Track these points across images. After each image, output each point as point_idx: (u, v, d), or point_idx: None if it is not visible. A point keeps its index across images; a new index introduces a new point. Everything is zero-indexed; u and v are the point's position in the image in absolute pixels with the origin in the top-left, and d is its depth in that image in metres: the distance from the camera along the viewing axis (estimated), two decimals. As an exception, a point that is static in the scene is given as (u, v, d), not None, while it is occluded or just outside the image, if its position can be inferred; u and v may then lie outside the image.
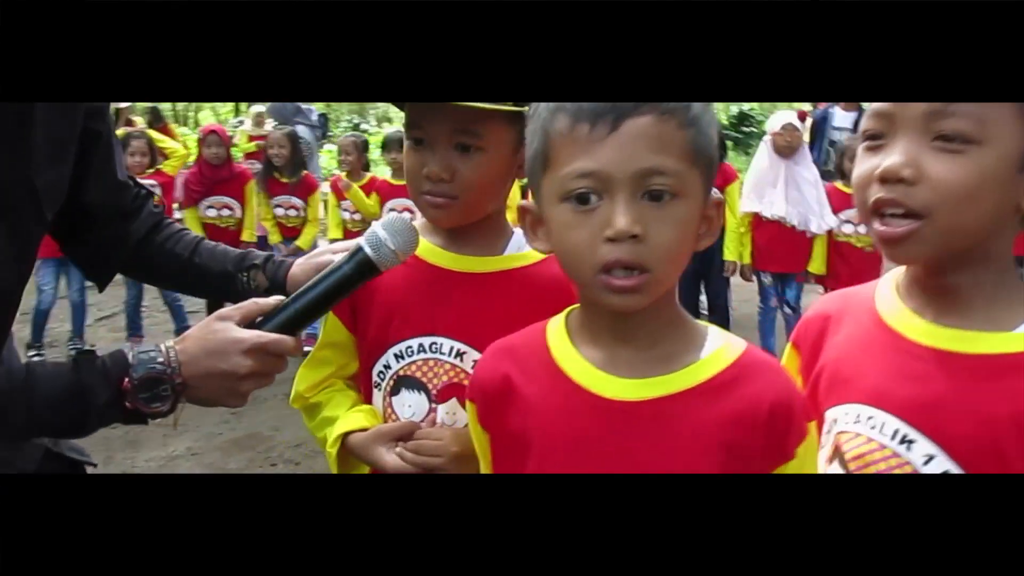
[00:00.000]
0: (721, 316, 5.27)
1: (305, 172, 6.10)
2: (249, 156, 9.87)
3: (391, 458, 1.31)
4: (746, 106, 27.44)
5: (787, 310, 5.07)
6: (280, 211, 5.92)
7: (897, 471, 0.98)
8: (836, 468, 1.06)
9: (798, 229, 4.89)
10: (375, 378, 1.42)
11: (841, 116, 7.31)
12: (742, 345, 1.01)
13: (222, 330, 1.17)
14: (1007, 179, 0.92)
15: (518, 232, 1.43)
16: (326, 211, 6.12)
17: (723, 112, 26.04)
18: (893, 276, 1.08)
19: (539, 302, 1.33)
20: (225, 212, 5.81)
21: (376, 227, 1.23)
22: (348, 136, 6.36)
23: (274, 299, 1.23)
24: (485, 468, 1.16)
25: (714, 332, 1.03)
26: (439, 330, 1.38)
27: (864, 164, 0.98)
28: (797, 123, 5.01)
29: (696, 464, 0.95)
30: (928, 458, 0.97)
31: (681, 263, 0.96)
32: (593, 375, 1.00)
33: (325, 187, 6.40)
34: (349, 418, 1.41)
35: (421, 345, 1.38)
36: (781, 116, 5.12)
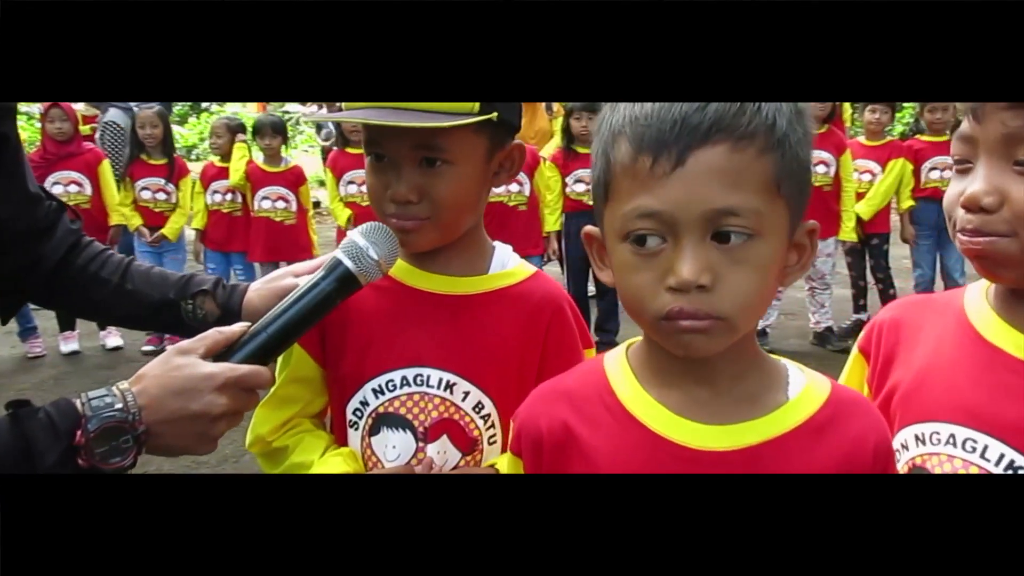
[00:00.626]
0: (610, 300, 5.31)
1: (176, 155, 5.74)
2: (85, 139, 9.23)
3: None
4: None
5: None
6: (147, 194, 5.57)
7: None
8: None
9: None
10: (350, 416, 1.28)
11: None
12: (827, 381, 0.93)
13: (187, 365, 1.01)
14: None
15: (500, 247, 1.33)
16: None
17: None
18: (982, 285, 1.04)
19: (533, 323, 1.26)
20: (73, 188, 5.41)
21: (354, 236, 1.11)
22: (221, 118, 6.06)
23: (239, 326, 1.09)
24: None
25: (794, 369, 0.94)
26: (425, 360, 1.25)
27: (953, 186, 0.97)
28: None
29: None
30: None
31: (762, 308, 0.87)
32: (674, 422, 0.88)
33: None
34: (327, 463, 1.26)
35: (404, 378, 1.25)
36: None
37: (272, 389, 1.33)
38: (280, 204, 5.46)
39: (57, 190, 5.32)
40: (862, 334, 1.16)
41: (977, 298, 1.04)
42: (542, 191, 5.19)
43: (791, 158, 0.82)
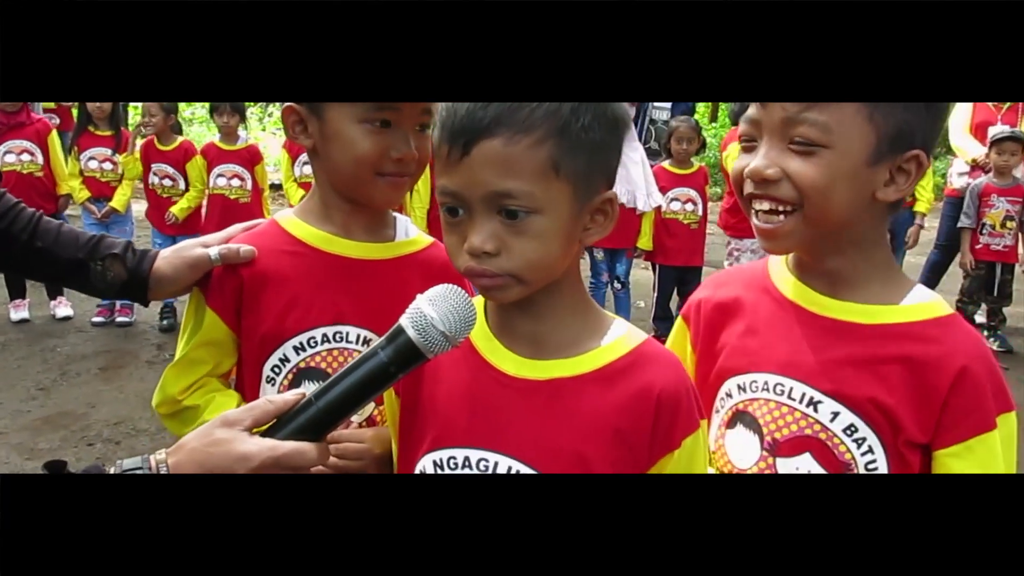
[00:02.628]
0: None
1: (123, 128, 5.74)
2: (47, 111, 9.18)
3: None
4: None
5: (616, 285, 5.26)
6: (94, 164, 5.56)
7: (808, 430, 1.11)
8: (741, 431, 1.18)
9: (627, 207, 5.07)
10: (268, 373, 1.36)
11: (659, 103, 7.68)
12: (642, 336, 1.07)
13: (226, 441, 0.94)
14: (857, 174, 1.06)
15: (400, 217, 1.44)
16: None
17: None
18: (781, 259, 1.22)
19: (438, 284, 1.35)
20: (26, 157, 5.45)
21: (423, 303, 0.96)
22: None
23: (292, 395, 0.99)
24: (393, 433, 1.18)
25: (619, 323, 1.09)
26: (345, 319, 1.35)
27: (739, 162, 1.13)
28: (626, 106, 5.13)
29: (586, 446, 1.01)
30: (834, 415, 1.11)
31: (553, 265, 1.00)
32: (500, 352, 1.06)
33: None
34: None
35: (325, 335, 1.35)
36: (612, 99, 5.24)
37: (183, 351, 1.40)
38: (235, 182, 5.48)
39: (10, 159, 5.38)
40: (685, 305, 1.32)
41: (778, 263, 1.22)
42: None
43: (575, 143, 0.95)
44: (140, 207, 6.16)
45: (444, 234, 1.02)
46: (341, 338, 1.35)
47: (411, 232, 1.45)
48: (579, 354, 1.04)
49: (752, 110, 1.10)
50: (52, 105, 10.37)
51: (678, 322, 1.32)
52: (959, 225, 5.64)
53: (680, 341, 1.31)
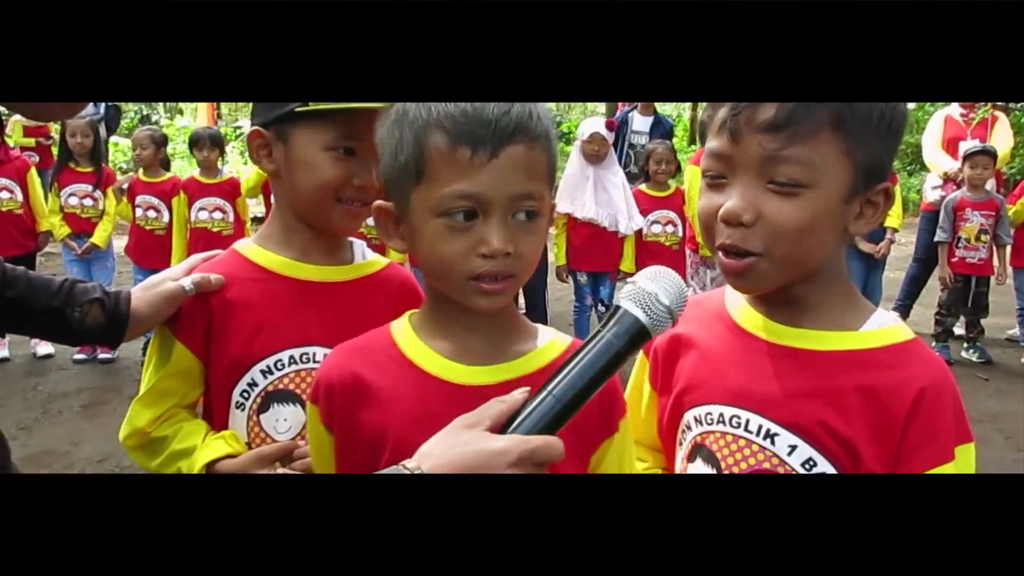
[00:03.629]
0: (539, 314, 5.40)
1: (104, 164, 5.76)
2: (26, 150, 9.16)
3: None
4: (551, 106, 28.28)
5: (601, 308, 5.29)
6: (75, 200, 5.57)
7: (766, 464, 1.07)
8: (700, 466, 1.14)
9: (609, 230, 5.11)
10: (237, 398, 1.38)
11: (639, 120, 7.74)
12: (567, 338, 1.13)
13: (476, 440, 0.91)
14: (836, 212, 1.02)
15: (357, 242, 1.48)
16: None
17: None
18: None
19: (399, 302, 1.37)
20: (5, 195, 5.47)
21: (642, 281, 0.95)
22: (143, 129, 5.99)
23: (519, 394, 0.96)
24: (325, 469, 1.15)
25: (543, 329, 1.14)
26: (312, 339, 1.37)
27: (707, 199, 1.06)
28: (605, 132, 5.21)
29: None
30: (791, 448, 1.07)
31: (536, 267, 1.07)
32: (444, 365, 1.07)
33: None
34: (211, 446, 1.35)
35: (292, 357, 1.37)
36: (590, 124, 5.32)
37: (150, 383, 1.40)
38: (217, 215, 5.48)
39: None
40: None
41: (736, 295, 1.17)
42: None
43: (554, 154, 1.04)
44: (120, 243, 6.14)
45: (445, 241, 0.98)
46: (308, 359, 1.37)
47: (367, 255, 1.48)
48: (520, 357, 1.08)
49: (721, 144, 1.03)
50: (31, 142, 10.37)
51: (639, 356, 1.27)
52: (936, 239, 5.72)
53: (639, 375, 1.28)
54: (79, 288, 1.36)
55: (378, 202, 1.08)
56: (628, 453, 1.14)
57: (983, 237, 5.54)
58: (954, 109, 6.31)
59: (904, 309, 6.44)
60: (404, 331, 1.11)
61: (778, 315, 1.11)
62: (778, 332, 1.10)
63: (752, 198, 1.00)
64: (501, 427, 0.92)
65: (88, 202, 5.58)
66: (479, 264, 0.98)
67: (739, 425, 1.10)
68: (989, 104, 6.26)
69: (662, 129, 7.81)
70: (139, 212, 5.56)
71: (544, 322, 5.26)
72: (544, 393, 0.93)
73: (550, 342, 1.11)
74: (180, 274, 1.39)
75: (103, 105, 11.83)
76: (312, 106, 1.29)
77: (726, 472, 1.11)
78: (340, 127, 1.31)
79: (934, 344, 5.78)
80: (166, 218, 5.55)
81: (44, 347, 5.70)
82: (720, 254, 1.06)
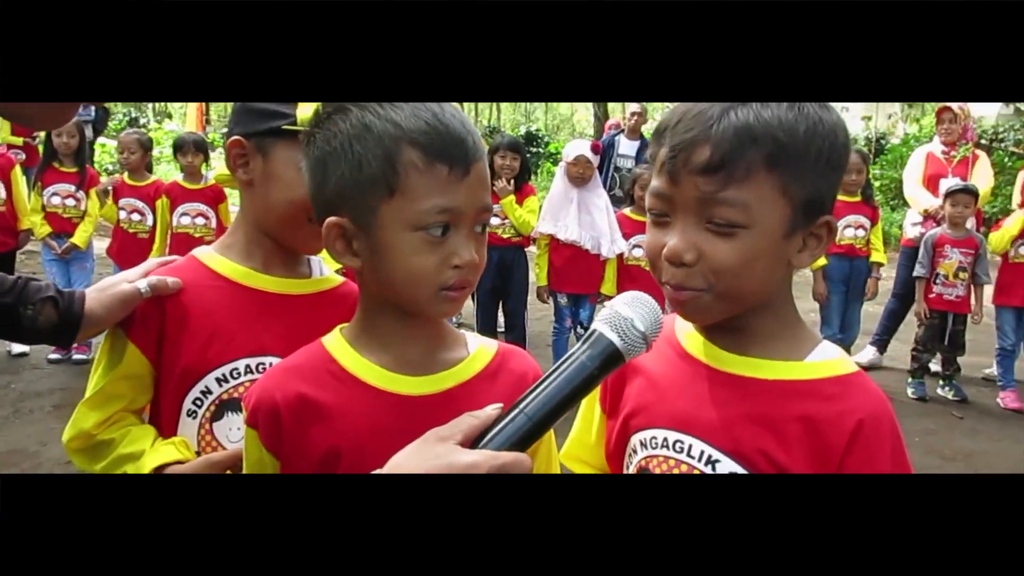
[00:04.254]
0: (518, 334, 5.41)
1: (88, 165, 5.74)
2: (12, 147, 9.12)
3: None
4: (533, 126, 28.46)
5: (580, 330, 5.29)
6: (57, 200, 5.56)
7: None
8: None
9: (591, 252, 5.13)
10: (188, 406, 1.36)
11: (626, 144, 7.80)
12: (494, 343, 1.19)
13: (446, 453, 0.91)
14: (776, 248, 1.04)
15: (315, 258, 1.48)
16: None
17: (512, 132, 27.06)
18: None
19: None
20: (-16, 193, 5.45)
21: (619, 306, 0.98)
22: (131, 132, 5.97)
23: (492, 409, 0.97)
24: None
25: (469, 335, 1.19)
26: (268, 349, 1.36)
27: (652, 236, 1.09)
28: (590, 155, 5.23)
29: None
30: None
31: None
32: (388, 377, 1.09)
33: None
34: (161, 451, 1.33)
35: (248, 366, 1.36)
36: (575, 147, 5.34)
37: (98, 385, 1.39)
38: (200, 220, 5.47)
39: None
40: None
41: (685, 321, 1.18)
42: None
43: None
44: (101, 244, 6.10)
45: (419, 254, 1.01)
46: (264, 368, 1.36)
47: (324, 271, 1.49)
48: (456, 364, 1.13)
49: (662, 184, 1.06)
50: (19, 141, 10.32)
51: (578, 422, 1.32)
52: (914, 274, 5.76)
53: (591, 398, 1.28)
54: (32, 286, 1.34)
55: (331, 219, 1.05)
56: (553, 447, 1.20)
57: (961, 275, 5.57)
58: (935, 146, 6.37)
59: (881, 344, 6.48)
60: (340, 346, 1.12)
61: (724, 343, 1.12)
62: (723, 359, 1.11)
63: (692, 238, 1.03)
64: (472, 441, 0.93)
65: (70, 202, 5.56)
66: (451, 275, 1.03)
67: (682, 450, 1.11)
68: (971, 143, 6.33)
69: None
70: (123, 215, 5.56)
71: (522, 342, 5.31)
72: (516, 411, 0.94)
73: (480, 348, 1.16)
74: (136, 276, 1.38)
75: (92, 106, 11.85)
76: (299, 126, 1.28)
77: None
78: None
79: (910, 380, 5.82)
80: (150, 221, 5.56)
81: (18, 346, 5.64)
82: (667, 288, 1.09)
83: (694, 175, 1.01)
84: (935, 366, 5.96)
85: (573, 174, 5.22)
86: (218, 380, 1.35)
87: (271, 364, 1.34)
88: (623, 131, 8.05)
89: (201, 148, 5.56)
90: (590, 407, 1.29)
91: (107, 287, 1.37)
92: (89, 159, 5.75)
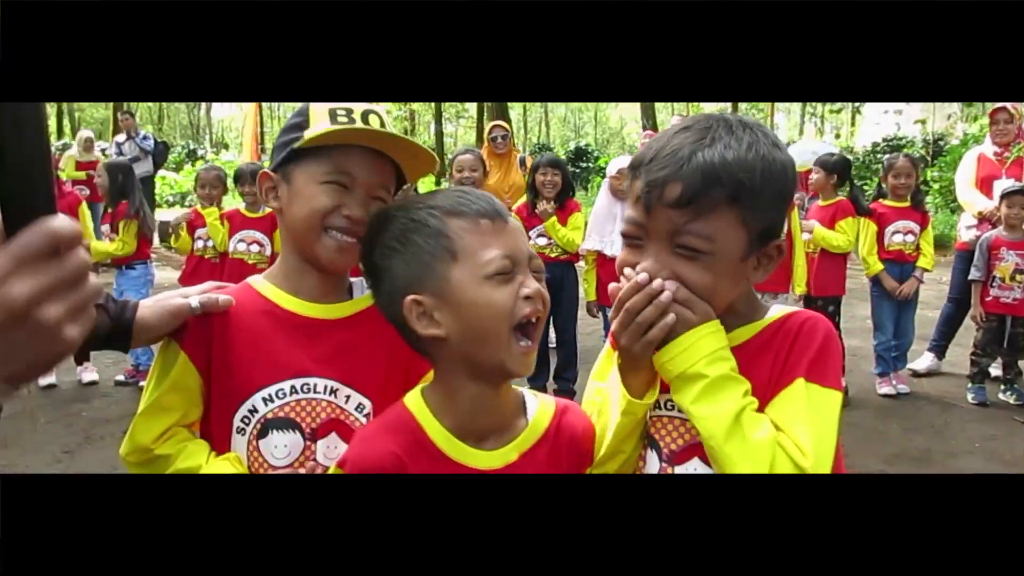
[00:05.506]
0: (568, 349, 5.46)
1: (123, 201, 6.00)
2: (77, 183, 9.50)
3: None
4: (583, 142, 28.51)
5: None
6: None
7: (699, 439, 1.22)
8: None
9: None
10: (238, 424, 1.44)
11: None
12: (551, 401, 1.36)
13: None
14: (735, 269, 1.20)
15: (356, 280, 1.55)
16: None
17: (561, 148, 27.15)
18: None
19: (395, 335, 1.46)
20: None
21: None
22: (211, 170, 6.25)
23: None
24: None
25: (525, 392, 1.35)
26: (311, 371, 1.45)
27: (625, 255, 1.24)
28: (634, 168, 5.25)
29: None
30: None
31: None
32: (465, 452, 1.25)
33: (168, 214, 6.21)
34: (215, 467, 1.41)
35: (293, 387, 1.44)
36: (618, 161, 5.41)
37: (151, 397, 1.46)
38: (254, 248, 5.67)
39: None
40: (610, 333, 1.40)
41: None
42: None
43: None
44: (168, 275, 6.31)
45: (493, 295, 1.18)
46: (308, 389, 1.45)
47: (365, 290, 1.53)
48: (519, 433, 1.30)
49: (637, 214, 1.20)
50: (83, 175, 10.72)
51: (607, 347, 1.41)
52: (970, 278, 5.68)
53: (607, 363, 1.39)
54: None
55: (408, 297, 1.21)
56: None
57: (1018, 277, 5.48)
58: (987, 148, 6.28)
59: (939, 349, 6.38)
60: (421, 414, 1.27)
61: None
62: None
63: (664, 261, 1.19)
64: None
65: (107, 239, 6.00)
66: (523, 306, 1.19)
67: (673, 407, 1.27)
68: (1023, 143, 6.23)
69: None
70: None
71: (573, 357, 5.36)
72: None
73: (538, 411, 1.32)
74: (193, 292, 1.46)
75: (151, 141, 12.26)
76: (308, 139, 1.39)
77: (665, 450, 1.28)
78: (334, 161, 1.41)
79: (970, 385, 5.72)
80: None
81: (89, 374, 5.91)
82: None
83: (667, 208, 1.16)
84: (995, 370, 5.86)
85: (616, 187, 5.27)
86: (264, 400, 1.43)
87: (315, 385, 1.44)
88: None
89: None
90: (607, 365, 1.39)
91: (162, 299, 1.46)
92: (131, 194, 5.97)
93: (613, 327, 1.22)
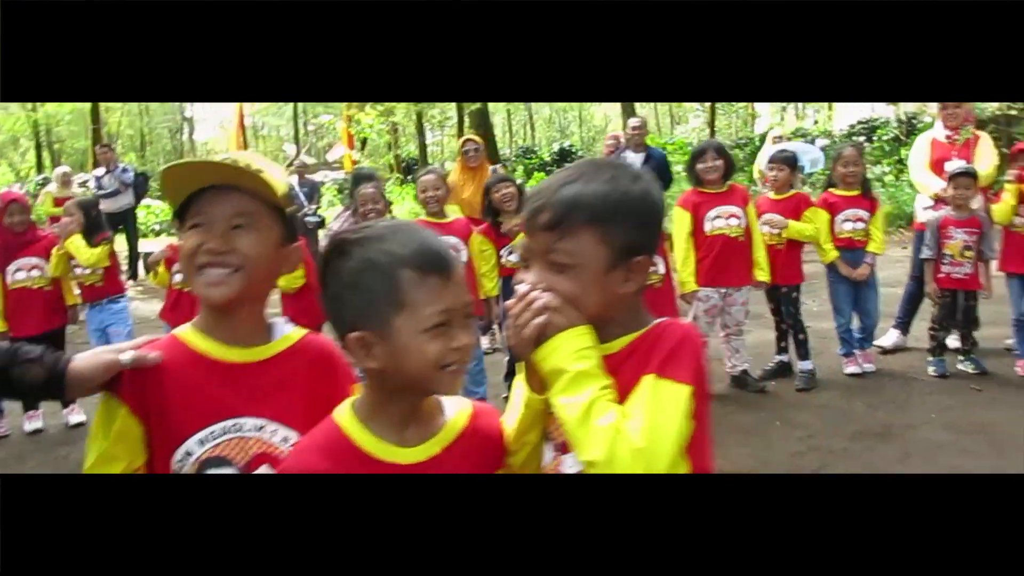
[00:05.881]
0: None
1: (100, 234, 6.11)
2: (54, 220, 9.57)
3: None
4: (567, 142, 28.66)
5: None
6: (79, 271, 6.03)
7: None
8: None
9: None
10: (175, 466, 1.56)
11: (632, 157, 8.11)
12: (469, 404, 1.53)
13: None
14: (599, 281, 1.39)
15: (277, 320, 1.70)
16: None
17: (547, 149, 27.27)
18: None
19: (315, 369, 1.66)
20: (35, 273, 5.88)
21: None
22: None
23: None
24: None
25: (447, 400, 1.51)
26: (240, 412, 1.58)
27: (520, 273, 1.46)
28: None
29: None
30: None
31: None
32: (390, 450, 1.42)
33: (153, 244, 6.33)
34: None
35: (224, 428, 1.57)
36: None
37: (99, 449, 1.56)
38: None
39: (20, 276, 5.83)
40: None
41: None
42: (477, 260, 5.47)
43: None
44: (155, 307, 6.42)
45: (428, 347, 1.34)
46: (238, 428, 1.56)
47: (286, 330, 1.68)
48: (439, 431, 1.51)
49: (525, 239, 1.45)
50: (61, 211, 10.82)
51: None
52: (921, 256, 5.88)
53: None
54: (24, 349, 1.53)
55: (352, 334, 1.37)
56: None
57: (967, 253, 5.67)
58: (938, 132, 6.46)
59: (904, 326, 6.57)
60: (351, 425, 1.44)
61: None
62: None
63: (541, 275, 1.42)
64: None
65: (78, 270, 6.05)
66: (452, 357, 1.36)
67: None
68: (971, 126, 6.41)
69: (654, 162, 8.08)
70: (178, 277, 5.75)
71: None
72: None
73: (457, 413, 1.50)
74: (127, 347, 1.57)
75: (131, 174, 12.36)
76: (168, 197, 1.54)
77: (555, 441, 1.48)
78: (192, 207, 1.54)
79: (930, 358, 5.91)
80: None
81: (75, 416, 6.01)
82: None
83: (541, 232, 1.41)
84: (955, 342, 6.04)
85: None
86: (199, 442, 1.56)
87: (244, 424, 1.58)
88: (628, 147, 8.32)
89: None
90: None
91: (96, 353, 1.57)
92: (104, 227, 6.16)
93: (506, 332, 1.41)
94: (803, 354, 5.91)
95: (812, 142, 21.43)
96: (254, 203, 1.54)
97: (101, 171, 12.36)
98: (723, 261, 5.56)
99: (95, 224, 6.09)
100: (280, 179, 1.59)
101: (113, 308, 6.15)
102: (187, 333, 1.63)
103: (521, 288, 1.42)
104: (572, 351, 1.36)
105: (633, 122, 8.62)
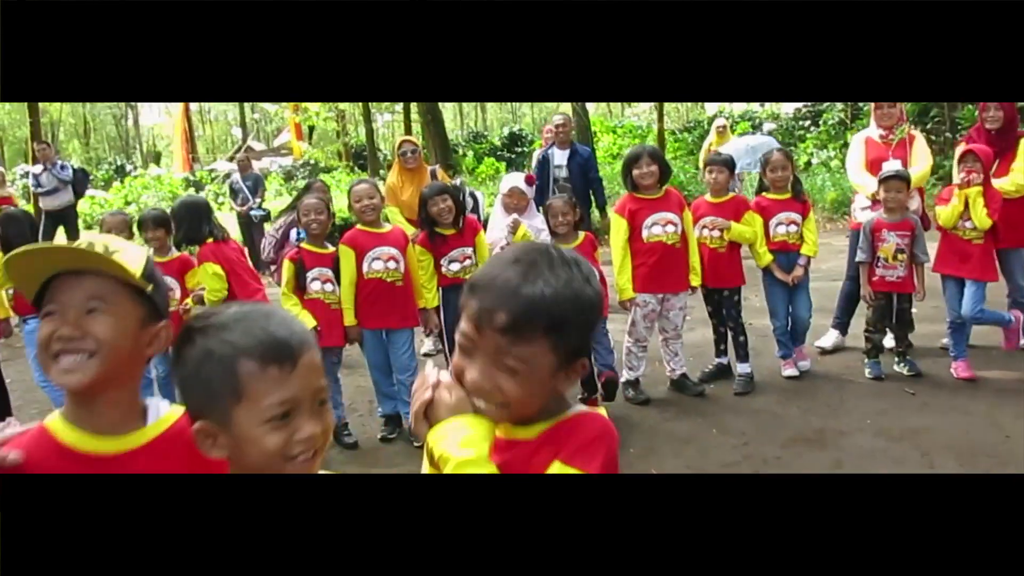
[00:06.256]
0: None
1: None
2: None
3: None
4: (517, 127, 28.60)
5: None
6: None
7: None
8: None
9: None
10: None
11: (559, 154, 8.13)
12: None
13: None
14: (546, 382, 1.39)
15: (151, 401, 1.65)
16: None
17: (497, 133, 27.18)
18: None
19: (195, 450, 1.55)
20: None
21: None
22: (116, 215, 6.23)
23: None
24: None
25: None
26: None
27: (458, 360, 1.43)
28: (524, 187, 5.47)
29: None
30: None
31: None
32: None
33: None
34: None
35: None
36: (509, 179, 5.58)
37: None
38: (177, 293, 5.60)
39: None
40: None
41: None
42: (415, 271, 5.42)
43: None
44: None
45: (269, 439, 1.32)
46: None
47: (162, 411, 1.62)
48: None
49: (469, 329, 1.38)
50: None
51: None
52: (856, 259, 5.95)
53: None
54: None
55: (197, 424, 1.36)
56: None
57: (900, 256, 5.74)
58: (873, 131, 6.52)
59: (843, 326, 6.66)
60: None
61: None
62: (510, 431, 1.46)
63: (487, 373, 1.38)
64: None
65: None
66: (298, 448, 1.34)
67: None
68: (906, 125, 6.48)
69: (579, 159, 8.09)
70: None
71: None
72: None
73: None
74: None
75: (69, 171, 12.17)
76: (25, 292, 1.51)
77: None
78: (46, 296, 1.51)
79: (865, 361, 5.99)
80: (178, 295, 5.61)
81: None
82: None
83: (494, 332, 1.35)
84: (891, 342, 6.14)
85: (509, 205, 5.46)
86: None
87: None
88: (554, 143, 8.32)
89: (161, 223, 5.66)
90: None
91: None
92: (69, 222, 6.01)
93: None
94: (742, 356, 5.96)
95: (760, 125, 21.71)
96: (109, 285, 1.50)
97: (39, 168, 12.20)
98: (661, 268, 5.60)
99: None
100: (137, 260, 1.54)
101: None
102: (55, 423, 1.57)
103: (445, 377, 1.42)
104: (459, 440, 1.38)
105: (557, 119, 8.45)
